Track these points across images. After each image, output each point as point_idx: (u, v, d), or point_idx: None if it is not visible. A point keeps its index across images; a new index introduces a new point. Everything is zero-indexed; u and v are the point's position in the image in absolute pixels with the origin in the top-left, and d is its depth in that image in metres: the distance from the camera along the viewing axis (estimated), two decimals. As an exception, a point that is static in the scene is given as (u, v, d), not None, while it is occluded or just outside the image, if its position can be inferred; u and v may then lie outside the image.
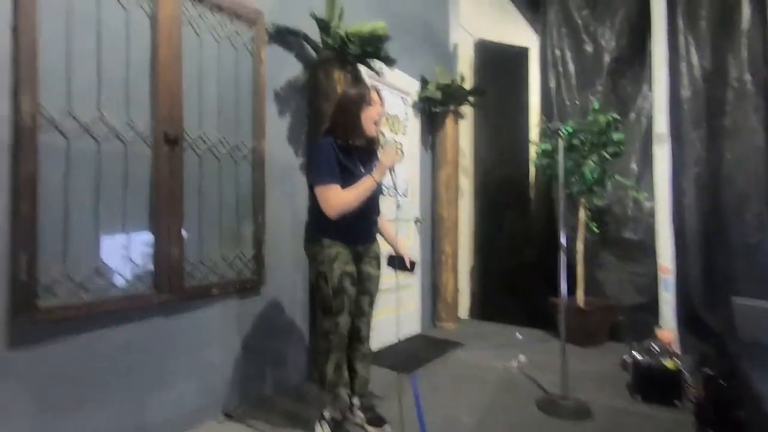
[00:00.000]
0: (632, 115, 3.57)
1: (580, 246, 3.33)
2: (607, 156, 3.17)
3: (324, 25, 2.34)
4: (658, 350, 2.27)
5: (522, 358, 2.86)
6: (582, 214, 3.32)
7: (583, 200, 3.31)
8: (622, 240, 3.51)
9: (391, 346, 3.07)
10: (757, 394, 1.51)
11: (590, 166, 3.17)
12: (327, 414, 1.83)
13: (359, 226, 1.81)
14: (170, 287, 1.86)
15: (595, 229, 3.32)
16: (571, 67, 3.87)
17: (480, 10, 4.38)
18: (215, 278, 2.06)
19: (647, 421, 2.07)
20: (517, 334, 3.53)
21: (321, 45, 2.43)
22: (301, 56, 2.52)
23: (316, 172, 1.71)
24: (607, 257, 3.55)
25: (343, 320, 1.78)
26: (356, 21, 2.44)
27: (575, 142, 3.20)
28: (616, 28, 3.70)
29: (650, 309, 3.24)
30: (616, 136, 3.12)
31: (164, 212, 1.84)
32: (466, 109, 3.89)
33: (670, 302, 3.09)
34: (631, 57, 3.63)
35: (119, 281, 1.71)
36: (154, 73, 1.82)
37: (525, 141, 4.23)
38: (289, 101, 2.46)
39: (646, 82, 3.51)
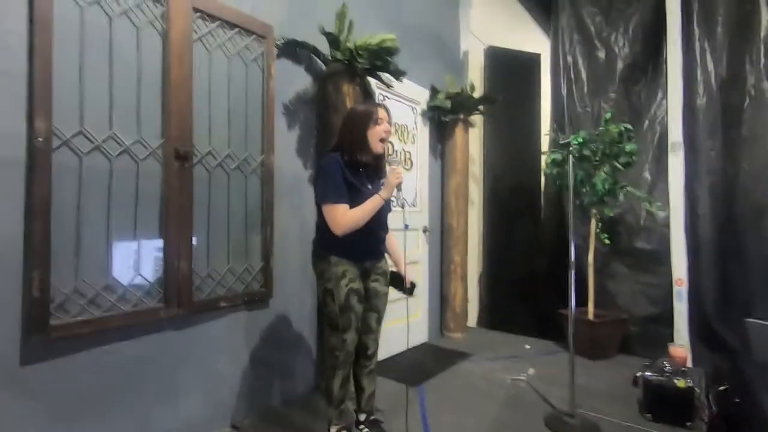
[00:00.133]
0: (645, 123, 3.51)
1: (590, 257, 3.28)
2: (619, 167, 3.12)
3: (333, 39, 2.35)
4: (671, 369, 2.23)
5: (531, 371, 2.84)
6: (593, 225, 3.28)
7: (594, 211, 3.26)
8: (634, 250, 3.45)
9: (397, 355, 3.07)
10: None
11: (601, 177, 3.12)
12: (333, 430, 1.84)
13: (367, 243, 1.81)
14: (179, 301, 1.88)
15: (607, 241, 3.26)
16: (584, 73, 3.81)
17: (491, 16, 4.35)
18: (223, 291, 2.08)
19: (657, 442, 2.03)
20: (526, 345, 3.50)
21: (330, 57, 2.44)
22: (310, 69, 2.53)
23: (323, 190, 1.72)
24: (619, 267, 3.49)
25: (350, 337, 1.78)
26: (367, 32, 2.45)
27: (586, 152, 3.16)
28: (629, 33, 3.63)
29: (663, 320, 3.19)
30: (628, 146, 3.07)
31: (174, 227, 1.86)
32: (476, 118, 3.86)
33: (684, 314, 3.04)
34: (644, 63, 3.57)
35: (129, 297, 1.74)
36: (165, 91, 1.85)
37: (536, 148, 4.19)
38: (298, 114, 2.48)
39: (660, 89, 3.45)
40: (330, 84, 2.46)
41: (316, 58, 2.49)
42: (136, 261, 1.77)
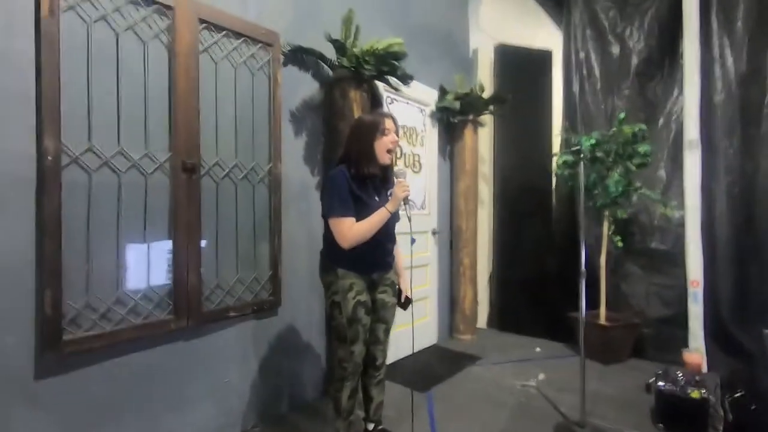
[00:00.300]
0: (661, 120, 3.42)
1: (602, 260, 3.22)
2: (633, 168, 3.04)
3: (339, 46, 2.32)
4: (684, 378, 2.19)
5: (541, 376, 2.81)
6: (605, 227, 3.22)
7: (606, 213, 3.20)
8: (648, 250, 3.38)
9: (406, 357, 3.08)
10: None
11: (614, 179, 3.05)
12: (341, 440, 1.85)
13: (374, 255, 1.80)
14: (189, 312, 1.90)
15: (620, 243, 3.20)
16: (597, 70, 3.72)
17: (501, 12, 4.26)
18: (232, 301, 2.10)
19: (670, 453, 2.00)
20: (537, 348, 3.47)
21: (337, 63, 2.42)
22: (317, 75, 2.52)
23: (330, 204, 1.71)
24: (632, 268, 3.43)
25: (358, 349, 1.78)
26: (374, 35, 2.41)
27: (599, 153, 3.09)
28: (644, 28, 3.53)
29: (677, 322, 3.13)
30: (642, 147, 2.99)
31: (182, 239, 1.88)
32: (486, 117, 3.80)
33: (699, 316, 2.98)
34: (660, 59, 3.46)
35: (139, 309, 1.76)
36: (172, 104, 1.85)
37: (547, 147, 4.11)
38: (305, 121, 2.46)
39: (676, 86, 3.35)
40: (337, 90, 2.44)
41: (322, 63, 2.47)
42: (145, 274, 1.79)
